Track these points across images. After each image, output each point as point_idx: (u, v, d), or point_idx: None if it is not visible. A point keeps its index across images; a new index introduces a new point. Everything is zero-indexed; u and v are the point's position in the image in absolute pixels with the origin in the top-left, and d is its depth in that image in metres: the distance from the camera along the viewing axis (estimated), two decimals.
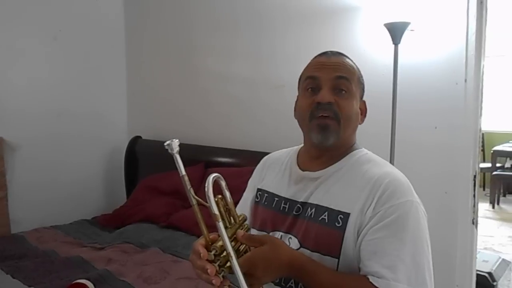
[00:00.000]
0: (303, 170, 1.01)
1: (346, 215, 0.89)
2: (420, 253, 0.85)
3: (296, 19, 2.30)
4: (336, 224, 0.90)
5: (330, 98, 0.92)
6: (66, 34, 2.96)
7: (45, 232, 2.49)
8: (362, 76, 1.01)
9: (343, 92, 0.93)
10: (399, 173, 0.93)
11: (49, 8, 2.88)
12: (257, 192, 1.10)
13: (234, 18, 2.62)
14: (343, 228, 0.88)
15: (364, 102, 1.01)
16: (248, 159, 2.25)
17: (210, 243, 0.80)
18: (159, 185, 2.70)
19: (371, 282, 0.81)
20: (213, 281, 0.77)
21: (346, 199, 0.91)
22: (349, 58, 1.00)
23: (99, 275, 1.82)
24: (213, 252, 0.78)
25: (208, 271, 0.76)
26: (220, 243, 0.78)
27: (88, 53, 3.09)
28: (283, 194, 1.03)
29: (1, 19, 2.68)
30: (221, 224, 0.76)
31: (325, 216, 0.92)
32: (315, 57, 1.01)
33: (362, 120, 1.01)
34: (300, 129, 1.01)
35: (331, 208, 0.92)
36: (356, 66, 1.00)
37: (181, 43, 2.97)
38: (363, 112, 1.01)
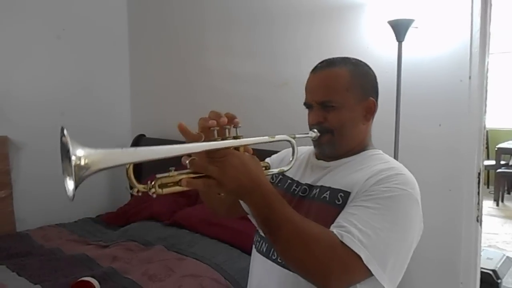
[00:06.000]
0: (318, 160, 1.05)
1: (347, 194, 0.90)
2: (398, 239, 0.82)
3: (299, 17, 2.30)
4: (336, 201, 0.91)
5: (316, 119, 0.99)
6: (70, 33, 2.97)
7: (50, 230, 2.51)
8: (362, 76, 1.00)
9: (330, 107, 0.97)
10: (410, 174, 0.92)
11: (53, 7, 2.89)
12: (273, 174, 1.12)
13: (237, 17, 2.62)
14: (342, 206, 0.89)
15: (371, 101, 1.00)
16: None
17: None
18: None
19: (335, 235, 0.79)
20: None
21: (349, 180, 0.92)
22: (339, 63, 0.99)
23: (104, 272, 1.83)
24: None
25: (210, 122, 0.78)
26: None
27: (91, 52, 3.10)
28: (296, 178, 1.07)
29: (5, 18, 2.69)
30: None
31: (326, 194, 0.94)
32: (311, 71, 1.03)
33: (368, 119, 1.01)
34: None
35: (333, 188, 0.94)
36: (351, 67, 0.99)
37: (184, 41, 2.98)
38: (371, 110, 1.00)
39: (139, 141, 3.15)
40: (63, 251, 2.17)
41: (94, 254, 2.08)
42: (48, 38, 2.89)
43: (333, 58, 1.02)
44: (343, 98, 0.96)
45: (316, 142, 1.00)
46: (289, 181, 1.07)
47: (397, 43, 1.79)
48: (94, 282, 1.70)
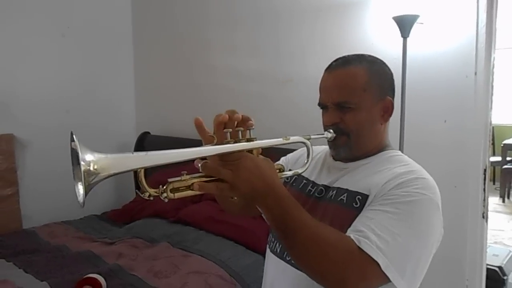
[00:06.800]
0: (335, 160, 1.03)
1: (365, 197, 0.88)
2: (417, 245, 0.80)
3: (304, 14, 2.29)
4: (354, 204, 0.89)
5: (332, 119, 0.95)
6: (74, 31, 2.98)
7: (56, 227, 2.53)
8: (379, 74, 0.97)
9: (347, 108, 0.94)
10: (431, 178, 0.89)
11: (57, 5, 2.90)
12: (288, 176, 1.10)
13: (242, 14, 2.61)
14: (360, 209, 0.87)
15: (388, 100, 0.97)
16: None
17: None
18: (168, 180, 2.71)
19: (352, 240, 0.76)
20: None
21: (367, 183, 0.90)
22: (356, 61, 0.96)
23: (110, 269, 1.85)
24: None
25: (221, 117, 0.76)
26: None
27: (96, 49, 3.11)
28: (312, 178, 1.04)
29: (9, 16, 2.70)
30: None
31: (344, 197, 0.92)
32: (325, 70, 0.99)
33: (386, 119, 0.98)
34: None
35: (350, 190, 0.92)
36: (368, 66, 0.96)
37: (189, 39, 2.97)
38: (388, 110, 0.98)
39: (144, 138, 3.16)
40: (69, 248, 2.18)
41: (99, 251, 2.09)
42: (53, 36, 2.90)
43: (348, 55, 0.98)
44: (360, 99, 0.93)
45: (332, 143, 0.97)
46: (304, 181, 1.05)
47: (402, 39, 1.78)
48: (100, 279, 1.71)
